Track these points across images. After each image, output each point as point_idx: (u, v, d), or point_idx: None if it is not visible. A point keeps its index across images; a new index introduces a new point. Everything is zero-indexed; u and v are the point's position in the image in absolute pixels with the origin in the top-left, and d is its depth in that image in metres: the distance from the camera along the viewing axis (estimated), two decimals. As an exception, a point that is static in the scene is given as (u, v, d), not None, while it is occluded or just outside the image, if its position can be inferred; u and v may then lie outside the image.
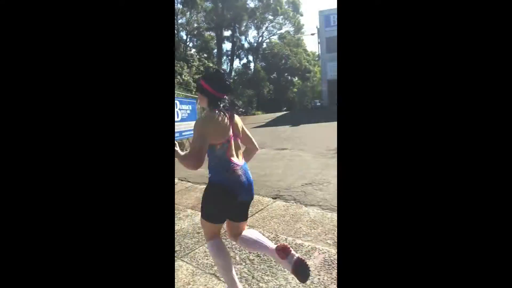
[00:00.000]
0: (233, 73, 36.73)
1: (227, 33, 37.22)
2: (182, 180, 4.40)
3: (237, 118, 1.44)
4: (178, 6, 28.41)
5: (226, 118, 1.34)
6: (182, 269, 1.94)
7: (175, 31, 27.45)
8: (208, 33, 35.11)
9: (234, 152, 1.38)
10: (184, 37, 31.65)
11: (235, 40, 37.56)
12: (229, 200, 1.33)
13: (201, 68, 17.05)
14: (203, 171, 1.45)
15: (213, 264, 1.90)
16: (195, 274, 1.86)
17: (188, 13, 30.55)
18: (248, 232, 1.48)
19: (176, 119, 6.51)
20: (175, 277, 1.85)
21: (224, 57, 37.96)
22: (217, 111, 1.33)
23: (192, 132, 1.36)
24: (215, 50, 36.34)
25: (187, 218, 2.88)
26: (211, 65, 20.18)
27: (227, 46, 45.55)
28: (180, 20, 30.49)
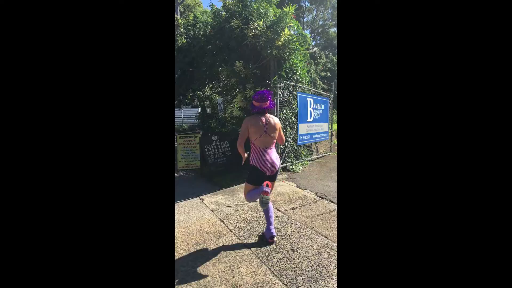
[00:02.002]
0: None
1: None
2: (322, 198, 3.55)
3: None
4: (306, 4, 28.14)
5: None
6: None
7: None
8: (333, 30, 33.48)
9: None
10: (308, 35, 31.30)
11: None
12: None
13: (329, 65, 16.04)
14: None
15: None
16: None
17: (316, 10, 29.88)
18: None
19: (308, 119, 5.75)
20: None
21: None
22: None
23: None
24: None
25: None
26: (335, 59, 18.82)
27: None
28: (306, 19, 30.18)
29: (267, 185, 2.25)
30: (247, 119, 2.31)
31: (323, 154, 6.81)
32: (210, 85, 6.84)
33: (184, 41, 6.66)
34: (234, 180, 4.48)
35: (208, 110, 7.22)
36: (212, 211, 3.27)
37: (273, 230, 2.35)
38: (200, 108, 7.38)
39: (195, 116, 14.60)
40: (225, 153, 4.94)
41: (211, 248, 2.34)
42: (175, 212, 3.29)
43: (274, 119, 2.34)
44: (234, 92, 5.05)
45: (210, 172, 4.95)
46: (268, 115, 2.35)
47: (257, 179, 2.29)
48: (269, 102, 2.31)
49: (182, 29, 7.23)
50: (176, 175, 5.32)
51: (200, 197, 3.82)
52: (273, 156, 2.30)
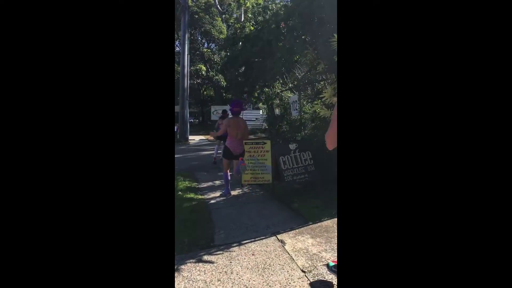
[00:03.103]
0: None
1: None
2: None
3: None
4: None
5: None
6: None
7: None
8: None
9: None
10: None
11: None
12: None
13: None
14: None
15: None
16: None
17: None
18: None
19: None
20: None
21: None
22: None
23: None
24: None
25: None
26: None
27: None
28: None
29: (242, 160, 3.78)
30: (226, 120, 3.92)
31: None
32: (281, 80, 5.62)
33: (252, 28, 5.58)
34: (322, 208, 3.10)
35: (277, 111, 6.01)
36: (303, 272, 1.95)
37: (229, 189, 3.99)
38: (267, 108, 6.19)
39: (256, 118, 13.63)
40: (306, 167, 3.61)
41: None
42: (243, 263, 2.08)
43: (244, 121, 4.04)
44: (320, 85, 3.69)
45: (286, 192, 3.67)
46: (240, 117, 3.98)
47: (229, 155, 3.85)
48: (240, 108, 4.00)
49: (250, 15, 6.21)
50: (239, 191, 4.20)
51: (278, 236, 2.55)
52: (240, 143, 3.84)
